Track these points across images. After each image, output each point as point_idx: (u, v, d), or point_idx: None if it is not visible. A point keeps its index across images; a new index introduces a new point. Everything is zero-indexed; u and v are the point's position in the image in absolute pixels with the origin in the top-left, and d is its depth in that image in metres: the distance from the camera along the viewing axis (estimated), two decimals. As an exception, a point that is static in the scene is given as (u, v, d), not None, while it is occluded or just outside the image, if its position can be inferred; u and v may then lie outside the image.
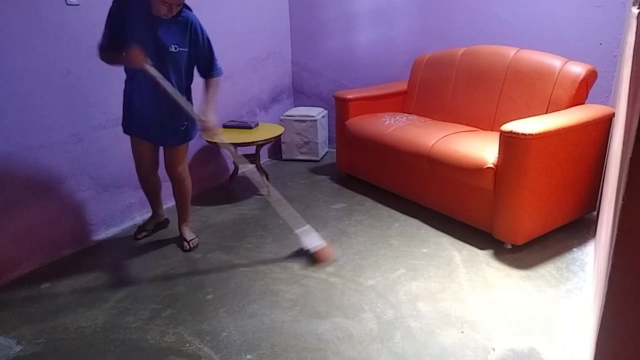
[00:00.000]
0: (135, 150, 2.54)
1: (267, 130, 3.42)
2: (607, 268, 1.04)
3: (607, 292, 1.00)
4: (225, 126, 3.51)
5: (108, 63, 2.30)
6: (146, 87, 2.30)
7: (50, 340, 1.95)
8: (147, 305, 2.16)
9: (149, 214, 2.88)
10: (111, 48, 2.25)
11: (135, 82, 2.34)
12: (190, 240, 2.67)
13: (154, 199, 2.78)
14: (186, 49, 2.31)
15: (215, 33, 3.45)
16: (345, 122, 3.47)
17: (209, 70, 2.44)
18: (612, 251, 0.97)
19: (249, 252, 2.62)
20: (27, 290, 2.32)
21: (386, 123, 3.22)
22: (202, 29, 2.34)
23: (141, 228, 2.80)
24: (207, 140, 3.15)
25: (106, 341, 1.93)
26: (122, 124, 2.49)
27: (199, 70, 2.44)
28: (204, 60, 2.41)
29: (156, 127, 2.41)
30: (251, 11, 3.83)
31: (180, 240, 2.70)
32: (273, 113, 4.26)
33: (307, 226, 2.45)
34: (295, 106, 4.47)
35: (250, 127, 3.45)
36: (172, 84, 2.29)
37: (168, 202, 3.00)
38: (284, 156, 4.21)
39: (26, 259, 2.48)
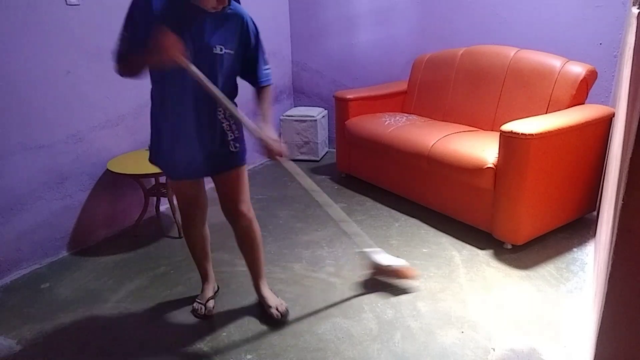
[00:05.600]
0: (177, 191, 1.95)
1: None
2: (607, 268, 1.04)
3: (607, 292, 1.00)
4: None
5: (128, 74, 1.73)
6: (181, 99, 1.71)
7: (50, 340, 1.95)
8: (147, 305, 2.16)
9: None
10: (134, 53, 1.65)
11: (165, 94, 1.74)
12: (277, 305, 2.03)
13: (207, 259, 2.14)
14: (232, 51, 1.74)
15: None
16: (345, 122, 3.46)
17: (255, 76, 1.87)
18: (612, 251, 0.97)
19: (249, 252, 2.61)
20: (27, 290, 2.32)
21: (386, 123, 3.22)
22: (255, 26, 1.82)
23: (202, 305, 2.08)
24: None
25: (106, 341, 1.93)
26: (150, 158, 1.91)
27: (243, 76, 1.89)
28: (251, 64, 1.84)
29: (201, 149, 1.78)
30: (251, 11, 3.82)
31: (261, 306, 2.07)
32: (273, 113, 4.26)
33: (378, 249, 2.21)
34: (295, 106, 4.47)
35: None
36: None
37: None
38: (284, 156, 4.20)
39: (26, 259, 2.48)
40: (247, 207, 1.92)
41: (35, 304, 2.21)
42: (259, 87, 1.89)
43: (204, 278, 2.16)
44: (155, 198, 3.03)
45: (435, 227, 2.80)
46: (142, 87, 2.95)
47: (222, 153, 1.82)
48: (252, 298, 2.18)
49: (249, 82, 1.89)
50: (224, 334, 1.96)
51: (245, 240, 1.98)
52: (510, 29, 3.24)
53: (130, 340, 1.94)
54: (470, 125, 3.10)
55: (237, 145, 1.84)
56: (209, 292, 2.13)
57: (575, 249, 2.50)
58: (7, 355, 1.87)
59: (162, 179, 2.87)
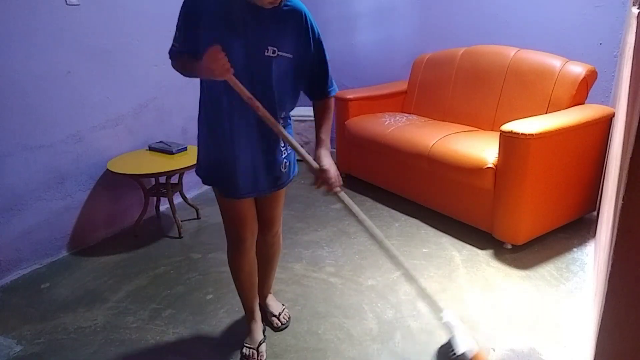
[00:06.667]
0: (232, 212, 1.68)
1: (189, 156, 2.80)
2: (607, 268, 1.04)
3: (607, 292, 1.00)
4: (151, 148, 2.98)
5: (184, 74, 1.56)
6: (240, 109, 1.50)
7: (50, 340, 1.95)
8: (147, 305, 2.16)
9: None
10: (187, 54, 1.50)
11: (223, 109, 1.52)
12: (281, 313, 1.99)
13: (254, 293, 1.89)
14: (290, 55, 1.50)
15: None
16: (345, 122, 3.47)
17: (322, 86, 1.64)
18: (612, 251, 0.97)
19: (249, 252, 2.61)
20: (27, 290, 2.32)
21: (386, 123, 3.22)
22: (315, 26, 1.54)
23: (253, 350, 1.80)
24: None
25: (106, 341, 1.93)
26: (199, 173, 1.69)
27: (305, 88, 1.66)
28: (316, 71, 1.60)
29: (261, 170, 1.61)
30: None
31: (265, 315, 1.99)
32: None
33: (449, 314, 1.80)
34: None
35: (172, 152, 2.85)
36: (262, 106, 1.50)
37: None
38: (284, 156, 4.20)
39: (26, 259, 2.48)
40: (279, 224, 1.85)
41: (35, 304, 2.21)
42: (324, 99, 1.64)
43: (251, 316, 1.88)
44: (155, 198, 3.03)
45: (435, 227, 2.80)
46: (142, 87, 2.97)
47: (273, 173, 1.64)
48: (252, 298, 2.18)
49: (311, 94, 1.66)
50: (224, 334, 1.96)
51: (266, 254, 1.90)
52: (510, 29, 3.24)
53: (130, 340, 1.94)
54: (470, 125, 3.10)
55: (287, 165, 1.68)
56: (259, 334, 1.86)
57: (575, 249, 2.50)
58: (7, 355, 1.87)
59: (162, 179, 2.87)
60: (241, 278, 1.81)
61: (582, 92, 2.66)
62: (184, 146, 2.91)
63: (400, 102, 3.69)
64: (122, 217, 2.94)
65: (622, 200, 0.87)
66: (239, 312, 2.08)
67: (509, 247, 2.50)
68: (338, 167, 1.45)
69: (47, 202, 2.53)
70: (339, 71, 4.20)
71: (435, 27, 3.62)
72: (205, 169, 1.67)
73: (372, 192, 3.35)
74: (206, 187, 3.56)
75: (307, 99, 1.73)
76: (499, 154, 2.40)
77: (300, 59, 1.53)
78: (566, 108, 2.63)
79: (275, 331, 1.95)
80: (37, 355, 1.87)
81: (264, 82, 1.49)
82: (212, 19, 1.42)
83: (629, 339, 0.94)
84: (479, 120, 3.09)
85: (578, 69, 2.65)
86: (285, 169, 1.67)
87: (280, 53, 1.47)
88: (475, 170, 2.49)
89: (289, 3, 1.47)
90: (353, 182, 3.54)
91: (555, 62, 2.75)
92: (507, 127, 2.33)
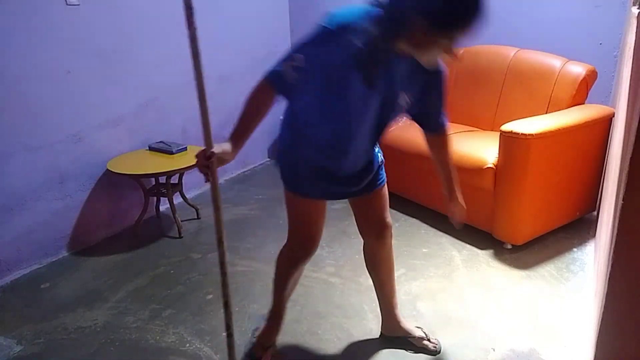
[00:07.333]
0: (310, 213, 1.62)
1: (189, 157, 2.78)
2: (607, 268, 1.04)
3: (607, 292, 1.00)
4: (151, 148, 2.95)
5: (251, 110, 1.50)
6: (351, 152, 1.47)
7: (50, 340, 1.95)
8: (147, 305, 2.16)
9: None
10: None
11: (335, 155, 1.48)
12: (424, 335, 1.84)
13: (289, 296, 1.84)
14: (412, 101, 1.46)
15: (214, 33, 3.46)
16: (345, 122, 3.46)
17: (439, 120, 1.59)
18: (612, 251, 0.97)
19: (249, 252, 2.62)
20: (27, 290, 2.32)
21: (386, 123, 3.22)
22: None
23: (263, 349, 1.80)
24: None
25: (106, 341, 1.93)
26: (290, 186, 1.58)
27: (420, 121, 1.60)
28: (429, 106, 1.53)
29: (360, 173, 1.58)
30: (251, 11, 3.83)
31: (404, 341, 1.84)
32: (273, 113, 4.25)
33: None
34: (295, 106, 4.46)
35: (172, 152, 2.83)
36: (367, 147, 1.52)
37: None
38: (284, 156, 4.19)
39: (26, 259, 2.48)
40: (388, 216, 1.73)
41: (35, 304, 2.21)
42: (440, 133, 1.62)
43: (278, 315, 1.81)
44: (155, 198, 3.03)
45: (435, 227, 2.80)
46: (142, 87, 2.96)
47: (368, 175, 1.60)
48: (252, 298, 2.17)
49: (421, 123, 1.61)
50: (224, 334, 1.95)
51: (386, 257, 1.77)
52: (510, 29, 3.23)
53: (130, 340, 1.94)
54: (470, 125, 3.10)
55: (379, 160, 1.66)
56: (274, 334, 1.82)
57: (575, 249, 2.50)
58: (7, 355, 1.88)
59: (162, 179, 2.87)
60: (285, 282, 1.76)
61: (582, 92, 2.66)
62: (184, 146, 2.91)
63: (400, 102, 3.68)
64: (122, 217, 2.94)
65: (622, 200, 0.87)
66: (239, 312, 2.08)
67: (509, 247, 2.50)
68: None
69: (47, 202, 2.53)
70: (339, 71, 4.19)
71: (435, 27, 3.61)
72: (291, 174, 1.57)
73: (372, 192, 3.34)
74: (206, 187, 3.57)
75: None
76: (499, 154, 2.40)
77: (417, 100, 1.47)
78: (566, 108, 2.63)
79: (430, 353, 1.79)
80: (37, 355, 1.87)
81: (381, 128, 1.47)
82: (347, 71, 1.27)
83: (629, 339, 0.94)
84: (479, 120, 3.09)
85: (578, 69, 2.65)
86: (379, 164, 1.65)
87: (408, 101, 1.42)
88: (475, 170, 2.48)
89: None
90: (353, 182, 3.54)
91: (555, 62, 2.75)
92: (507, 127, 2.33)
